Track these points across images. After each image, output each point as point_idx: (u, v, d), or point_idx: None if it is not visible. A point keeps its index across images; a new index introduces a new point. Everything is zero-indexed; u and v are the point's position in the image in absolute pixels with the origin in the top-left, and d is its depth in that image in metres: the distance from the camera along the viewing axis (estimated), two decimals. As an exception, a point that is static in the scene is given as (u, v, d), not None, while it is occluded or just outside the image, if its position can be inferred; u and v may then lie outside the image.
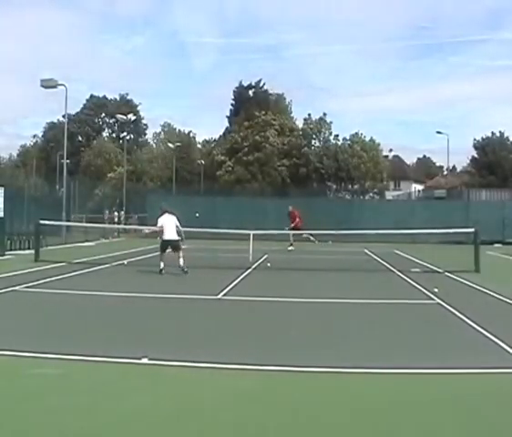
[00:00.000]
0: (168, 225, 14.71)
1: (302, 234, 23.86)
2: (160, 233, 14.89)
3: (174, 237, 14.70)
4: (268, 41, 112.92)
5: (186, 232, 15.55)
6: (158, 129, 76.95)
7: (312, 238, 24.92)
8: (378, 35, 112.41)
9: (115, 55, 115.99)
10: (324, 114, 61.69)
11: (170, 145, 60.61)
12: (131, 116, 51.51)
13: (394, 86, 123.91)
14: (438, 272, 15.48)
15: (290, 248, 23.75)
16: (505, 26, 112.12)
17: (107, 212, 40.35)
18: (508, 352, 6.50)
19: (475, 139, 60.35)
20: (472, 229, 16.57)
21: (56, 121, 73.93)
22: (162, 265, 14.41)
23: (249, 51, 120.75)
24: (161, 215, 14.99)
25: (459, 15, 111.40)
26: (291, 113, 66.28)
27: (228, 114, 66.38)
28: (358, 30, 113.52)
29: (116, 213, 39.98)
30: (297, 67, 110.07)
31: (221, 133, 67.28)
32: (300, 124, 63.38)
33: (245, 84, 64.92)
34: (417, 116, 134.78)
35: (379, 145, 61.65)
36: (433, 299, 10.51)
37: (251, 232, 17.43)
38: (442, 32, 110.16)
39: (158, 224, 14.92)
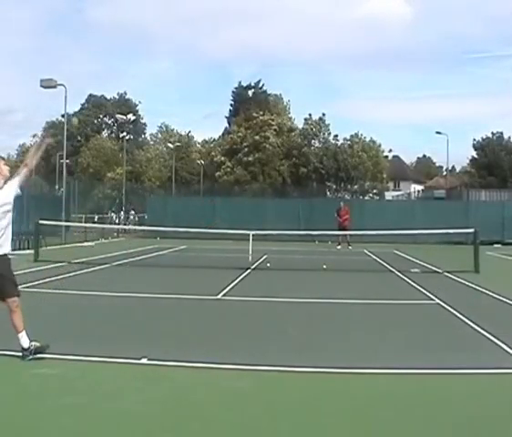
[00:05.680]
0: None
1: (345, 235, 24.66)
2: None
3: None
4: (268, 40, 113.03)
5: (186, 232, 15.42)
6: (155, 130, 77.13)
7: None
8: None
9: (114, 53, 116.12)
10: (323, 114, 61.77)
11: (170, 145, 60.53)
12: (131, 116, 51.29)
13: (395, 86, 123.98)
14: (438, 272, 15.49)
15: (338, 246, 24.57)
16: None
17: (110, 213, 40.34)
18: (508, 353, 6.50)
19: (474, 140, 60.57)
20: (471, 230, 16.56)
21: (56, 121, 73.87)
22: None
23: (248, 49, 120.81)
24: None
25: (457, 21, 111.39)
26: (289, 113, 66.27)
27: (227, 114, 66.55)
28: (361, 34, 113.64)
29: (113, 214, 39.99)
30: (296, 68, 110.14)
31: (221, 133, 67.40)
32: (300, 124, 63.42)
33: (244, 84, 65.06)
34: (417, 116, 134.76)
35: (379, 145, 61.61)
36: (432, 300, 10.51)
37: (251, 232, 17.42)
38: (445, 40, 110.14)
39: None
